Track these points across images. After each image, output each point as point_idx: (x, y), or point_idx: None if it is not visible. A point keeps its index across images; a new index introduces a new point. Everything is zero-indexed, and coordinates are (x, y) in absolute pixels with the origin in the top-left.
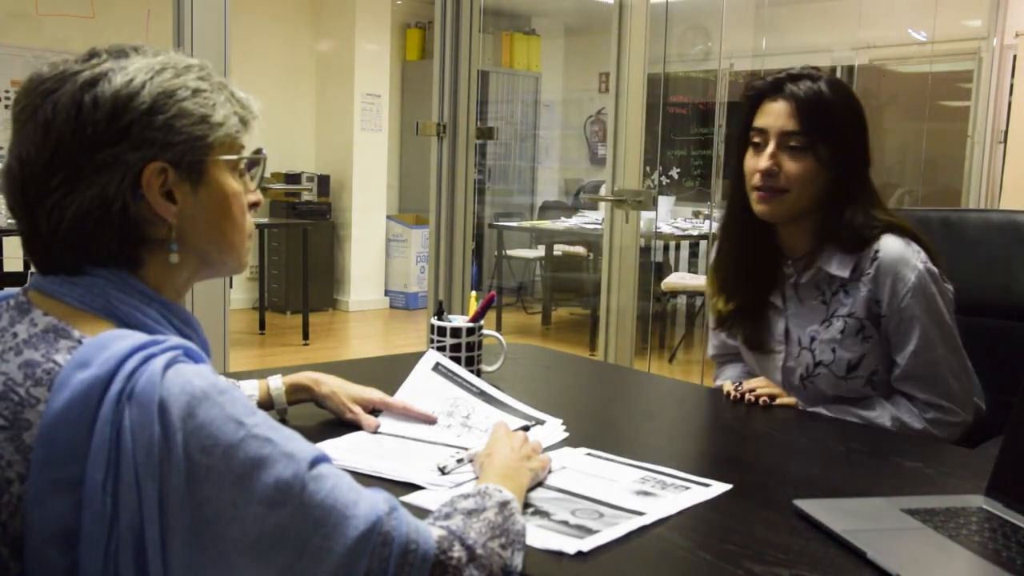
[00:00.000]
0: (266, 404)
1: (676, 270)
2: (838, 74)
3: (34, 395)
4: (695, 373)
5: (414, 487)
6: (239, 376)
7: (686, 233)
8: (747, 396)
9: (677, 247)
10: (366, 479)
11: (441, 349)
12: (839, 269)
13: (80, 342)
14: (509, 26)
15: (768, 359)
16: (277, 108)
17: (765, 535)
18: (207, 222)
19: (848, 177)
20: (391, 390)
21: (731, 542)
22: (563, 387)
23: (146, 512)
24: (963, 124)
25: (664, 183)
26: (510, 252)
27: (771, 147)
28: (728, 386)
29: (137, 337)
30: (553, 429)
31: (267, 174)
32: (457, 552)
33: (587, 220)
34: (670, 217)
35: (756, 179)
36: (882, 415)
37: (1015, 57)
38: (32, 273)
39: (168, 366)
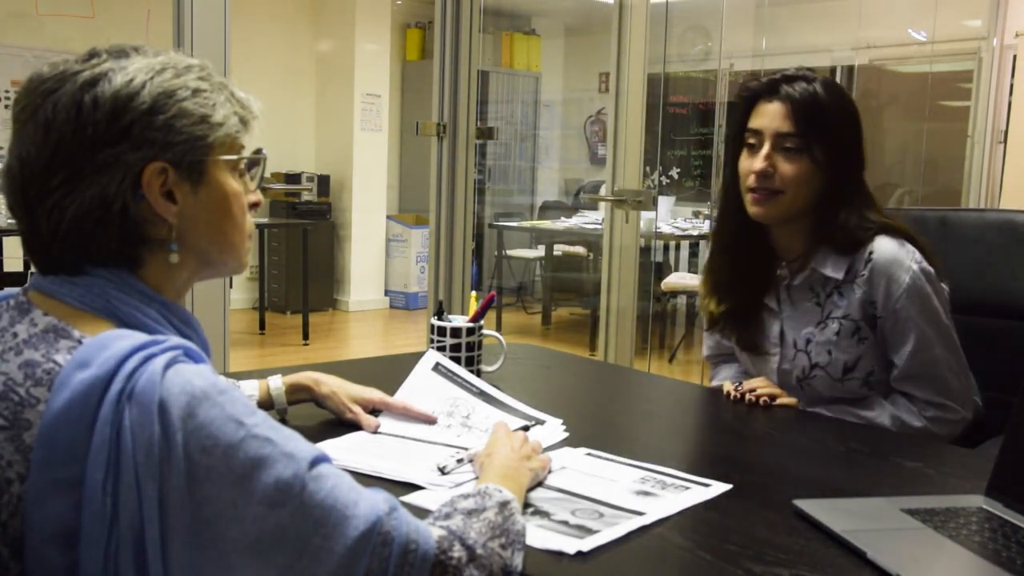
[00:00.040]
0: (266, 404)
1: (676, 270)
2: (838, 74)
3: (34, 395)
4: (695, 373)
5: (414, 487)
6: (239, 376)
7: (686, 233)
8: (747, 396)
9: (677, 247)
10: (366, 479)
11: (441, 349)
12: (833, 271)
13: (80, 342)
14: (509, 26)
15: (763, 361)
16: (277, 108)
17: (765, 535)
18: (207, 222)
19: (843, 179)
20: (391, 390)
21: (731, 542)
22: (563, 387)
23: (146, 512)
24: (963, 124)
25: (664, 183)
26: (510, 252)
27: (766, 148)
28: (728, 386)
29: (137, 337)
30: (553, 429)
31: (267, 174)
32: (457, 552)
33: (587, 220)
34: (670, 217)
35: (751, 180)
36: (881, 415)
37: (1015, 57)
38: (32, 273)
39: (168, 366)
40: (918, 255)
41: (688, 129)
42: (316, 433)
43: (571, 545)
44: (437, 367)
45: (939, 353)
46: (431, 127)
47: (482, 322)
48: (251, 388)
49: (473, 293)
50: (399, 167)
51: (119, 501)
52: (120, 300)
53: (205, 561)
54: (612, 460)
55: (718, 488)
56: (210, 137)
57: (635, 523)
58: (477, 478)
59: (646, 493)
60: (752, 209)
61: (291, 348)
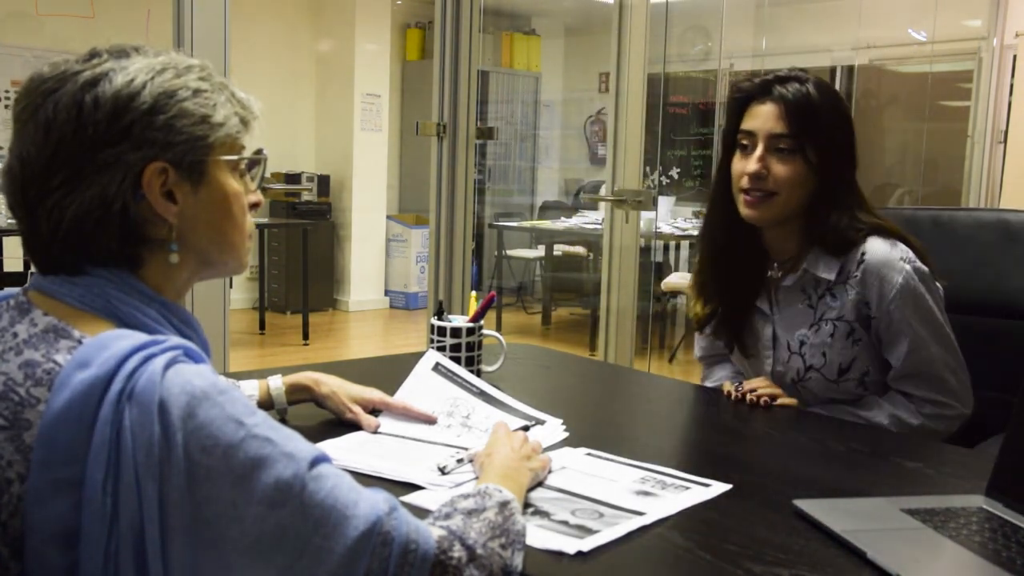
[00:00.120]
0: (266, 404)
1: (676, 270)
2: (838, 74)
3: (34, 395)
4: (695, 373)
5: (414, 487)
6: (239, 376)
7: (686, 233)
8: (748, 396)
9: (677, 247)
10: (366, 479)
11: (441, 349)
12: (825, 272)
13: (80, 342)
14: (509, 26)
15: (756, 363)
16: (277, 108)
17: (765, 535)
18: (207, 222)
19: (835, 179)
20: (391, 390)
21: (731, 542)
22: (563, 387)
23: (146, 512)
24: (963, 124)
25: (664, 183)
26: (510, 252)
27: (759, 150)
28: (728, 386)
29: (137, 337)
30: (553, 429)
31: (267, 174)
32: (457, 552)
33: (587, 220)
34: (670, 217)
35: (744, 182)
36: (879, 413)
37: (1015, 57)
38: (32, 273)
39: (168, 366)
40: (911, 255)
41: (688, 129)
42: (316, 433)
43: (571, 545)
44: (437, 367)
45: (935, 351)
46: (431, 127)
47: (482, 322)
48: (251, 388)
49: (473, 293)
50: (399, 167)
51: (119, 501)
52: (120, 300)
53: (205, 561)
54: (612, 460)
55: (718, 488)
56: (211, 137)
57: (635, 523)
58: (477, 478)
59: (646, 493)
60: (745, 211)
61: (291, 348)
